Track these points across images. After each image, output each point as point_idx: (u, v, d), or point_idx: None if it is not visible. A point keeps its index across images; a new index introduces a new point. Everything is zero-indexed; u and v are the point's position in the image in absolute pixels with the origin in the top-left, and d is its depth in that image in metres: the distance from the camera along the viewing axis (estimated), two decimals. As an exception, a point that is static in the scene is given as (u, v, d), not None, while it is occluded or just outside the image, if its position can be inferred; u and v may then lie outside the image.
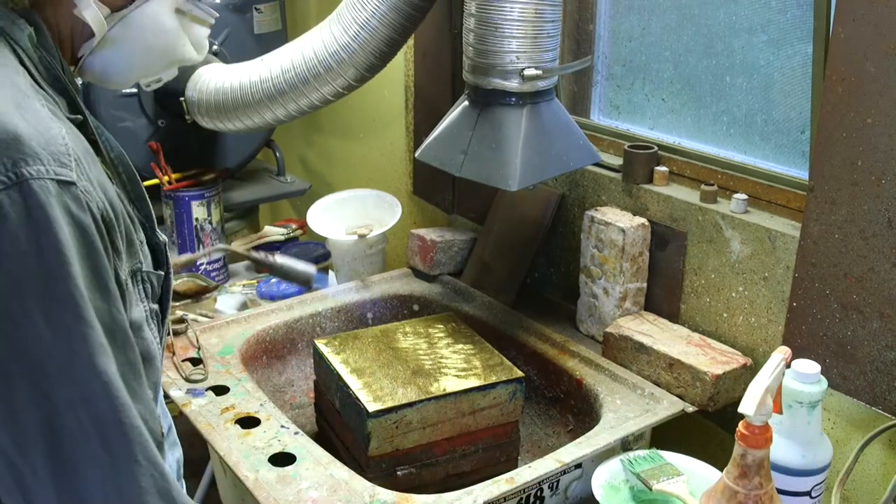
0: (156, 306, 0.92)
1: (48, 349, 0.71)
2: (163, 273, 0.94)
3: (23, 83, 0.81)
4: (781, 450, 1.19)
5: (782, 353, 1.11)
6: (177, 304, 1.75)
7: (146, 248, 0.92)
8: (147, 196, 0.97)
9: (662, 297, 1.68)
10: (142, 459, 0.76)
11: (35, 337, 0.71)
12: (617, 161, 1.77)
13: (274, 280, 2.05)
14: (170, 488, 0.78)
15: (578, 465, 1.36)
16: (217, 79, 1.98)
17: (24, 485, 0.73)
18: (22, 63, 0.83)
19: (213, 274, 2.16)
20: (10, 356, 0.71)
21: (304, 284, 1.58)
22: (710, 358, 1.50)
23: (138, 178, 0.96)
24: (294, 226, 2.34)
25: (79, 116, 0.87)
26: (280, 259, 1.56)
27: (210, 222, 2.14)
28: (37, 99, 0.80)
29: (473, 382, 1.44)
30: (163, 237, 0.98)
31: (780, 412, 1.15)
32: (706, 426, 1.61)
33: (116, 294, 0.78)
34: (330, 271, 2.21)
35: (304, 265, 1.56)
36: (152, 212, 0.98)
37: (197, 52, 1.04)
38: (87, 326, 0.73)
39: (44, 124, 0.76)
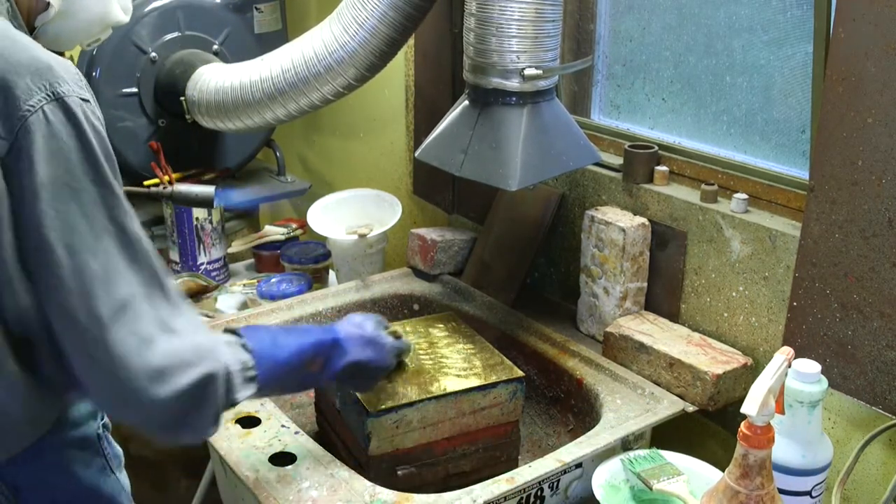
0: None
1: (98, 199, 0.97)
2: None
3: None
4: (782, 449, 1.18)
5: (785, 353, 1.11)
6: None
7: None
8: None
9: (663, 297, 1.68)
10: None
11: (90, 192, 0.96)
12: (617, 161, 1.77)
13: (275, 280, 2.05)
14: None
15: (579, 465, 1.35)
16: (217, 78, 1.98)
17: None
18: None
19: (214, 273, 2.16)
20: (79, 207, 0.96)
21: (207, 205, 1.59)
22: (710, 357, 1.50)
23: None
24: (294, 225, 2.34)
25: None
26: (178, 187, 1.59)
27: (210, 222, 2.13)
28: None
29: (474, 382, 1.44)
30: None
31: (782, 412, 1.15)
32: (706, 426, 1.61)
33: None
34: (331, 270, 2.21)
35: (202, 187, 1.59)
36: None
37: (125, 15, 1.32)
38: (117, 188, 0.99)
39: (60, 58, 1.00)
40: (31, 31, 1.15)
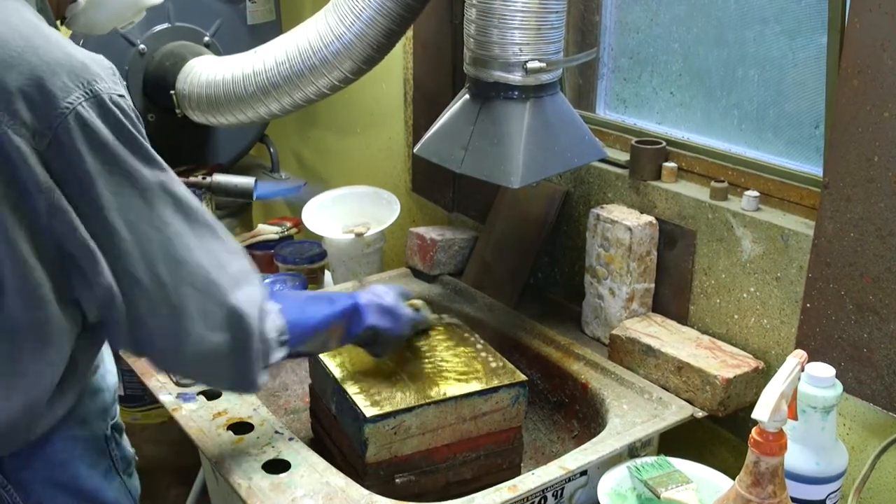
0: None
1: (147, 178, 1.07)
2: None
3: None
4: (795, 456, 1.18)
5: (798, 356, 1.10)
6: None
7: None
8: None
9: (671, 298, 1.68)
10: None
11: (137, 171, 1.06)
12: (623, 157, 1.77)
13: (268, 280, 2.04)
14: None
15: (584, 473, 1.35)
16: (209, 71, 1.98)
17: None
18: None
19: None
20: (131, 186, 1.06)
21: (247, 197, 1.64)
22: (720, 361, 1.50)
23: None
24: (289, 224, 2.33)
25: None
26: (218, 177, 1.62)
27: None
28: None
29: (475, 386, 1.44)
30: None
31: (795, 418, 1.14)
32: (716, 432, 1.61)
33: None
34: (328, 272, 2.21)
35: (242, 178, 1.63)
36: None
37: None
38: (160, 161, 1.10)
39: (94, 56, 1.07)
40: (62, 19, 1.23)
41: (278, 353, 1.19)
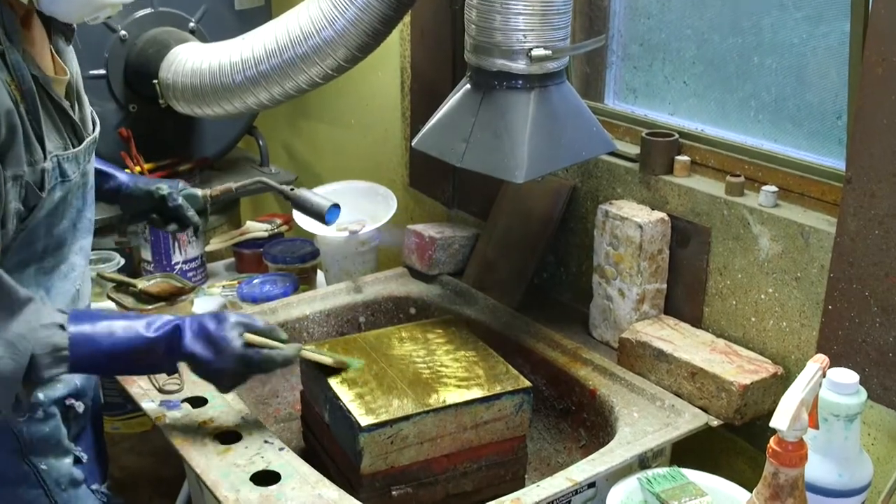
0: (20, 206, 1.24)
1: None
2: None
3: None
4: (816, 468, 1.18)
5: (819, 361, 1.11)
6: (150, 307, 1.75)
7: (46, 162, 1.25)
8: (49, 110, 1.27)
9: (684, 300, 1.68)
10: None
11: None
12: (634, 150, 1.77)
13: (257, 281, 2.05)
14: None
15: (592, 485, 1.35)
16: (194, 59, 1.98)
17: None
18: None
19: (190, 274, 2.15)
20: None
21: (317, 218, 1.65)
22: (736, 366, 1.50)
23: (35, 95, 1.22)
24: (279, 221, 2.33)
25: None
26: (301, 191, 1.69)
27: (186, 217, 2.13)
28: None
29: (476, 393, 1.44)
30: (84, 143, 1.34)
31: (816, 427, 1.14)
32: (732, 441, 1.61)
33: None
34: (321, 272, 2.21)
35: (320, 198, 1.68)
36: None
37: None
38: None
39: None
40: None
41: (53, 370, 1.21)
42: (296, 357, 1.41)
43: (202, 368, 1.33)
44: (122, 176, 1.67)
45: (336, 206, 1.67)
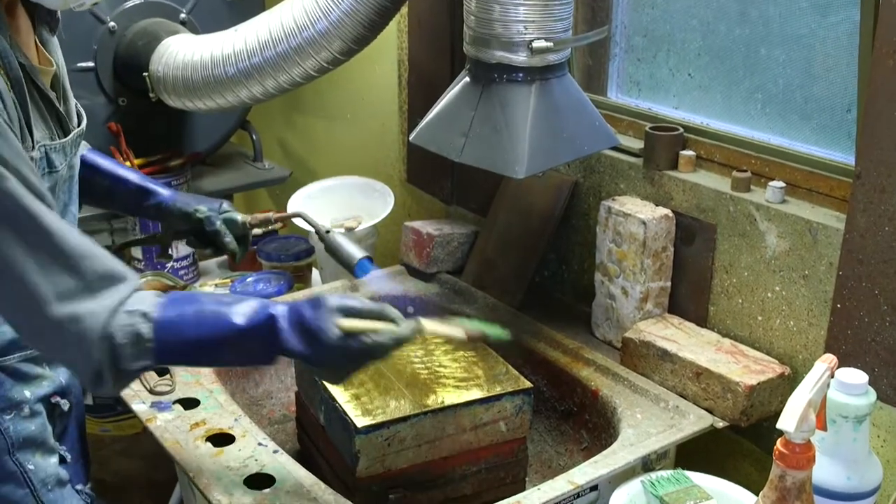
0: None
1: None
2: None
3: None
4: (824, 470, 1.18)
5: (827, 361, 1.11)
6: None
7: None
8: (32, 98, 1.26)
9: (689, 298, 1.68)
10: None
11: None
12: (637, 144, 1.76)
13: (251, 279, 2.04)
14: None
15: (594, 488, 1.35)
16: (185, 51, 1.98)
17: None
18: None
19: (181, 272, 2.15)
20: None
21: (347, 268, 1.60)
22: (742, 366, 1.50)
23: (22, 83, 1.21)
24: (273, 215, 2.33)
25: None
26: (334, 236, 1.61)
27: (178, 214, 2.12)
28: None
29: (475, 394, 1.44)
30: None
31: (824, 429, 1.14)
32: (738, 443, 1.61)
33: None
34: (316, 270, 2.20)
35: (354, 248, 1.58)
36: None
37: None
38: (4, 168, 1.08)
39: None
40: None
41: (139, 362, 1.15)
42: (411, 338, 1.23)
43: (304, 364, 1.23)
44: (163, 192, 1.60)
45: (368, 259, 1.59)
